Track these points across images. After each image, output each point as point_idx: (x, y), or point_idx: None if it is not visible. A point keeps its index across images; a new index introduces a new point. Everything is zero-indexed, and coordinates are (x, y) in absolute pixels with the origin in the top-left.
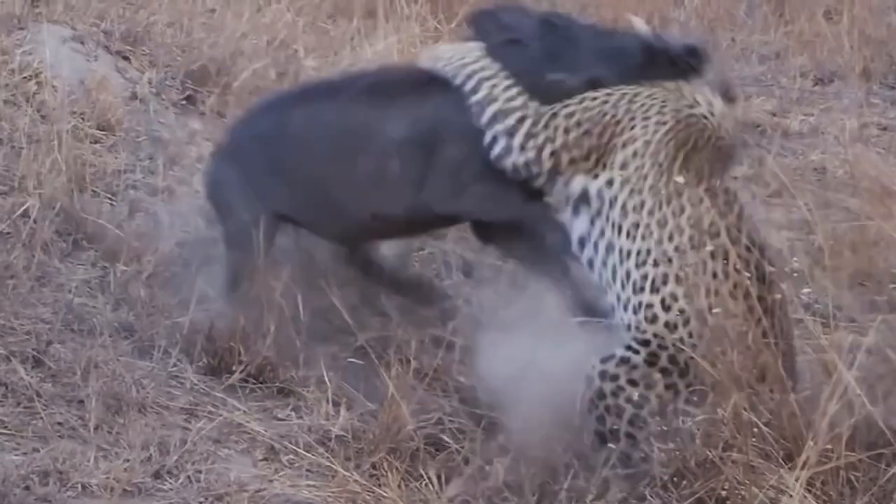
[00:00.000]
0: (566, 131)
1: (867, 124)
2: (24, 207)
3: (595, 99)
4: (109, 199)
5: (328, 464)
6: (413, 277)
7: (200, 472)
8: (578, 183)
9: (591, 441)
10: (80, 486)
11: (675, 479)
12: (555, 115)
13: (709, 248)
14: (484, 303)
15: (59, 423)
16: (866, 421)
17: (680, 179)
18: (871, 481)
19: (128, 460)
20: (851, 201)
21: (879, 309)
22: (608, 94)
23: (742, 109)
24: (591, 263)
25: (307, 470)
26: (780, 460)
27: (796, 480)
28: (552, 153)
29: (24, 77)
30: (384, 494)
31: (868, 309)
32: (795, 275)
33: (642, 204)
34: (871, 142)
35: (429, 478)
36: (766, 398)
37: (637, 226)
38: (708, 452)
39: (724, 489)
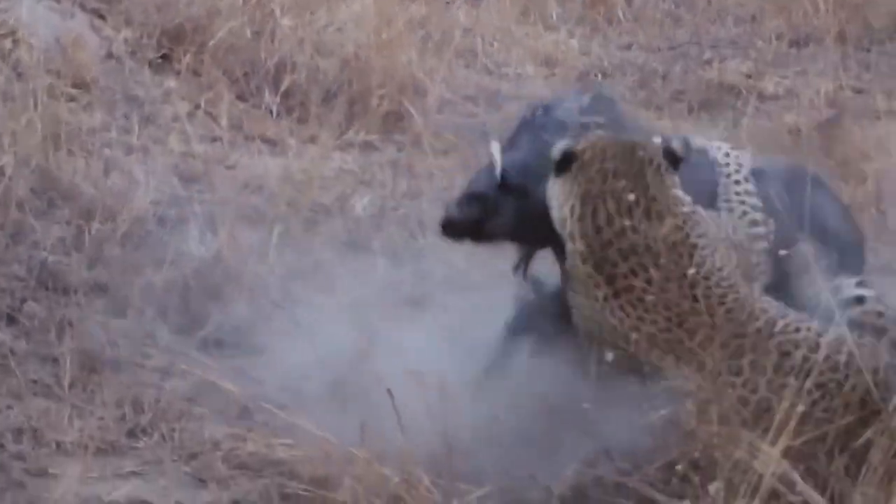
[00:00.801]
0: None
1: (842, 87)
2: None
3: None
4: (85, 157)
5: (302, 423)
6: None
7: (174, 430)
8: None
9: None
10: (54, 443)
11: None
12: None
13: None
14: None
15: (34, 381)
16: None
17: None
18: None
19: (102, 418)
20: (826, 163)
21: None
22: None
23: None
24: None
25: (281, 429)
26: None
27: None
28: None
29: (0, 35)
30: (356, 454)
31: None
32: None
33: None
34: (845, 104)
35: None
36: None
37: None
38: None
39: (696, 451)
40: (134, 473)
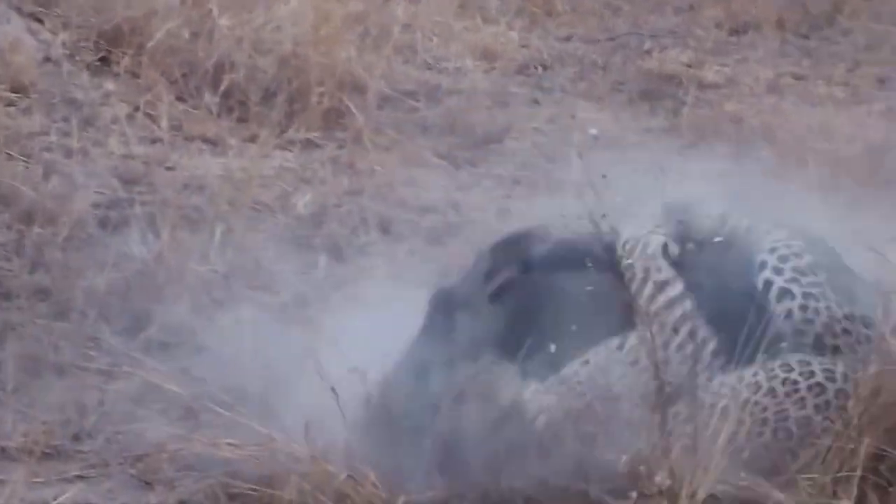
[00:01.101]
0: None
1: (782, 74)
2: None
3: None
4: (24, 161)
5: (247, 422)
6: None
7: (119, 433)
8: None
9: None
10: None
11: None
12: None
13: None
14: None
15: None
16: None
17: None
18: None
19: (46, 423)
20: (767, 151)
21: None
22: None
23: None
24: None
25: (226, 429)
26: None
27: None
28: None
29: None
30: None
31: None
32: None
33: None
34: (786, 91)
35: None
36: None
37: None
38: None
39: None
40: (79, 477)
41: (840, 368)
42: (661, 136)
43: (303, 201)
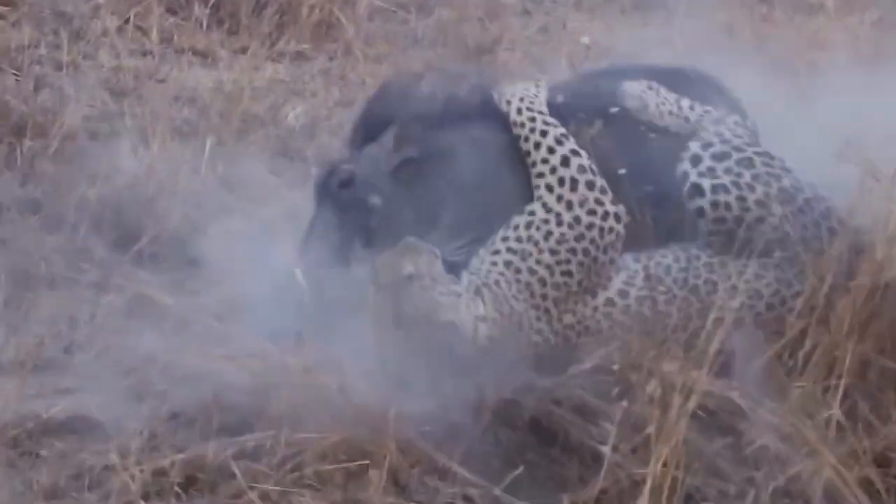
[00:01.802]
0: None
1: None
2: None
3: None
4: (14, 74)
5: (238, 334)
6: None
7: (110, 346)
8: None
9: None
10: None
11: None
12: None
13: None
14: None
15: None
16: None
17: None
18: None
19: (38, 336)
20: (759, 60)
21: None
22: None
23: None
24: None
25: (217, 341)
26: None
27: None
28: None
29: None
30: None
31: None
32: None
33: None
34: (777, 1)
35: None
36: None
37: None
38: None
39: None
40: (71, 389)
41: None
42: (653, 45)
43: (294, 113)
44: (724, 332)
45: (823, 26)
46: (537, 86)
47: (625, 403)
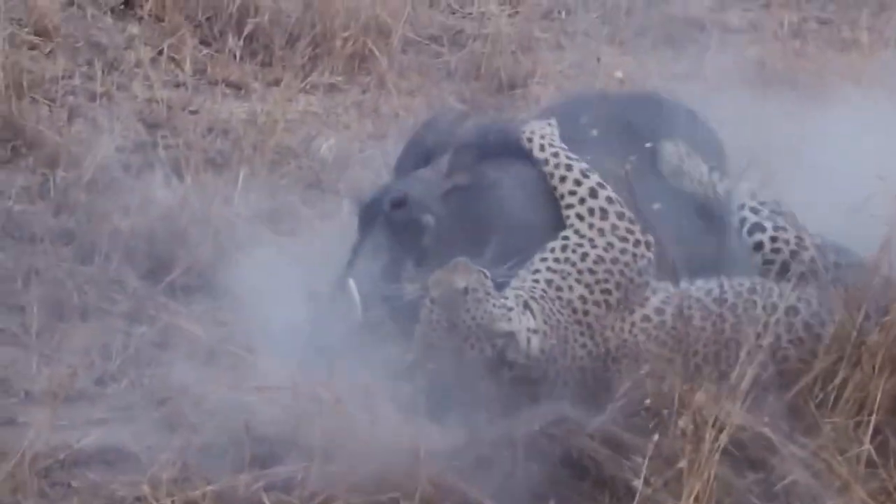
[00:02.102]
0: None
1: (806, 19)
2: None
3: None
4: (48, 105)
5: (269, 366)
6: None
7: (143, 376)
8: None
9: None
10: (22, 392)
11: None
12: None
13: None
14: None
15: (1, 330)
16: None
17: None
18: None
19: (70, 366)
20: (790, 95)
21: None
22: None
23: None
24: None
25: (249, 372)
26: None
27: None
28: None
29: None
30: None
31: None
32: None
33: None
34: (810, 36)
35: None
36: None
37: None
38: None
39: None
40: (103, 420)
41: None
42: (684, 80)
43: (326, 145)
44: (756, 365)
45: (857, 61)
46: (550, 124)
47: (656, 438)
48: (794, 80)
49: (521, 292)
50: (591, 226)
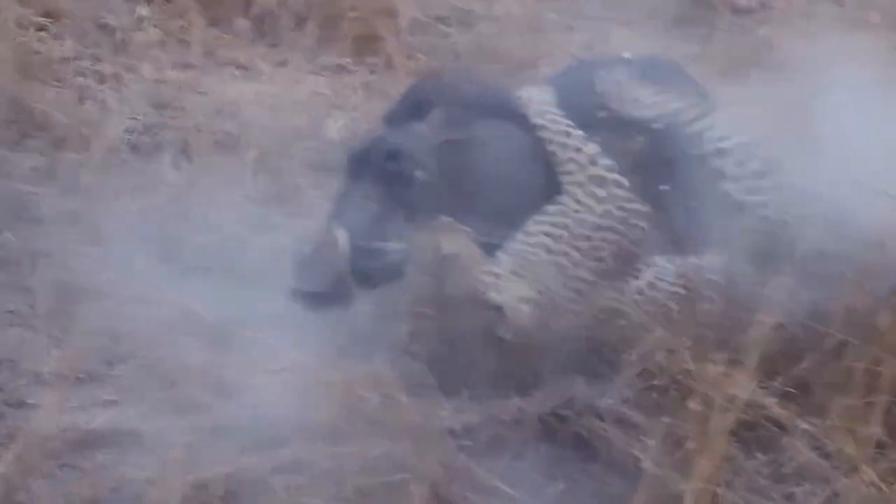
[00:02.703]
0: None
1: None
2: None
3: None
4: (57, 86)
5: (281, 347)
6: None
7: (152, 358)
8: None
9: None
10: (31, 374)
11: None
12: None
13: None
14: None
15: (10, 312)
16: None
17: None
18: None
19: (79, 348)
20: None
21: None
22: None
23: None
24: None
25: (260, 354)
26: None
27: None
28: None
29: None
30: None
31: None
32: None
33: None
34: (820, 17)
35: None
36: None
37: None
38: None
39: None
40: (113, 402)
41: None
42: (694, 61)
43: (335, 127)
44: (765, 341)
45: (868, 41)
46: (545, 91)
47: (665, 419)
48: (804, 60)
49: (510, 258)
50: (589, 193)
